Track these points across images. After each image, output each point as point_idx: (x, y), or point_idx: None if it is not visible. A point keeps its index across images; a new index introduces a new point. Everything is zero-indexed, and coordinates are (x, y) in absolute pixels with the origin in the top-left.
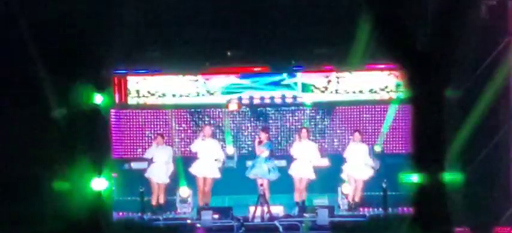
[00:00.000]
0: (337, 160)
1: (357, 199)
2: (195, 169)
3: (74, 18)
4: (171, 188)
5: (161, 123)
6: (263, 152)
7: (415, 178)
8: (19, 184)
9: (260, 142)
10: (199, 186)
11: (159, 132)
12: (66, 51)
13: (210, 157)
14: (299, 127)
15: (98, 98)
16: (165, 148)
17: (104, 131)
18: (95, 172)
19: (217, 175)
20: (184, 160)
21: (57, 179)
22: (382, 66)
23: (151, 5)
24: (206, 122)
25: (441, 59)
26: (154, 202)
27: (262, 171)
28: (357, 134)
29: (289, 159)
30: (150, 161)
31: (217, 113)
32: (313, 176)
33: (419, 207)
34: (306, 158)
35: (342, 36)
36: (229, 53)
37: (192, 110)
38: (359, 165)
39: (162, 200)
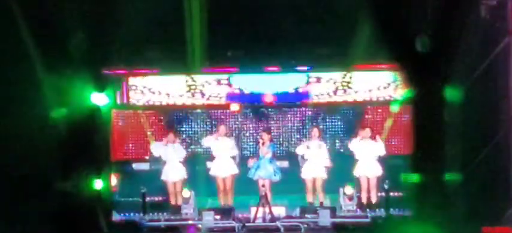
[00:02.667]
0: (339, 160)
1: (373, 200)
2: (214, 170)
3: (73, 18)
4: None
5: (162, 123)
6: (268, 153)
7: (415, 178)
8: (19, 184)
9: (263, 143)
10: (219, 186)
11: (171, 129)
12: (66, 51)
13: (226, 156)
14: (302, 126)
15: (98, 98)
16: (177, 146)
17: (104, 131)
18: (95, 172)
19: (236, 171)
20: (188, 161)
21: (57, 179)
22: (382, 66)
23: (151, 5)
24: (219, 122)
25: (441, 59)
26: (173, 202)
27: (268, 172)
28: (367, 130)
29: (292, 160)
30: (158, 161)
31: (218, 113)
32: (325, 176)
33: (419, 207)
34: (317, 158)
35: (342, 36)
36: (229, 53)
37: (194, 110)
38: (370, 162)
39: (179, 202)
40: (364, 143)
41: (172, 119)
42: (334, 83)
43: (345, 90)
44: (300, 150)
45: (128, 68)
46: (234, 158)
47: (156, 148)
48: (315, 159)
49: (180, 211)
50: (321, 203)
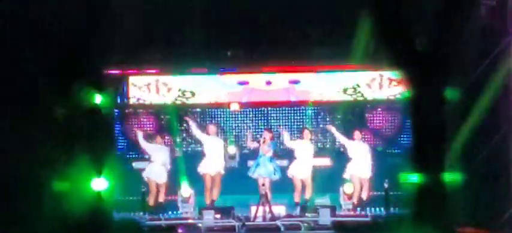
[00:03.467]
0: (339, 160)
1: (364, 198)
2: (202, 168)
3: (73, 18)
4: (172, 188)
5: (162, 123)
6: (268, 151)
7: (415, 177)
8: (19, 184)
9: (264, 141)
10: (207, 184)
11: (158, 132)
12: (66, 51)
13: (216, 155)
14: (301, 126)
15: (98, 98)
16: (163, 148)
17: (104, 131)
18: (95, 172)
19: (222, 171)
20: (186, 160)
21: (57, 179)
22: (382, 66)
23: (151, 5)
24: (209, 122)
25: (441, 59)
26: (151, 203)
27: (267, 171)
28: (357, 132)
29: (292, 159)
30: (148, 159)
31: (219, 112)
32: (310, 175)
33: (419, 207)
34: (304, 158)
35: (342, 36)
36: (229, 53)
37: (194, 109)
38: (362, 163)
39: (162, 199)
40: (355, 144)
41: (167, 119)
42: (335, 82)
43: (345, 90)
44: (291, 144)
45: (128, 68)
46: (224, 156)
47: (145, 144)
48: (303, 159)
49: (159, 212)
50: (306, 201)
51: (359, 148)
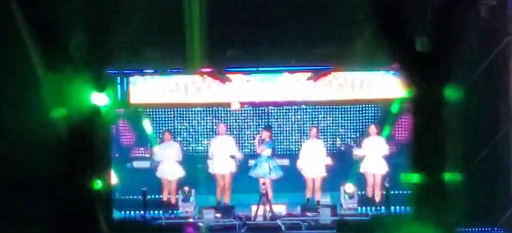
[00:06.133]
0: (340, 159)
1: (376, 198)
2: (213, 168)
3: (74, 18)
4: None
5: (163, 122)
6: (264, 150)
7: (415, 177)
8: (19, 184)
9: (262, 141)
10: (219, 183)
11: (166, 129)
12: (66, 51)
13: (225, 154)
14: (303, 125)
15: (98, 98)
16: (173, 144)
17: (104, 131)
18: (95, 172)
19: (234, 170)
20: (189, 159)
21: (57, 179)
22: (382, 66)
23: (151, 5)
24: (218, 121)
25: (441, 59)
26: (165, 198)
27: (263, 170)
28: (372, 127)
29: (292, 158)
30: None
31: (219, 112)
32: (324, 174)
33: (419, 207)
34: (316, 157)
35: (342, 36)
36: (229, 53)
37: (195, 109)
38: (376, 160)
39: (175, 196)
40: (370, 140)
41: (171, 118)
42: (335, 82)
43: (345, 90)
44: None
45: (128, 68)
46: (233, 157)
47: (156, 149)
48: (313, 158)
49: (175, 209)
50: (318, 201)
51: (373, 144)
